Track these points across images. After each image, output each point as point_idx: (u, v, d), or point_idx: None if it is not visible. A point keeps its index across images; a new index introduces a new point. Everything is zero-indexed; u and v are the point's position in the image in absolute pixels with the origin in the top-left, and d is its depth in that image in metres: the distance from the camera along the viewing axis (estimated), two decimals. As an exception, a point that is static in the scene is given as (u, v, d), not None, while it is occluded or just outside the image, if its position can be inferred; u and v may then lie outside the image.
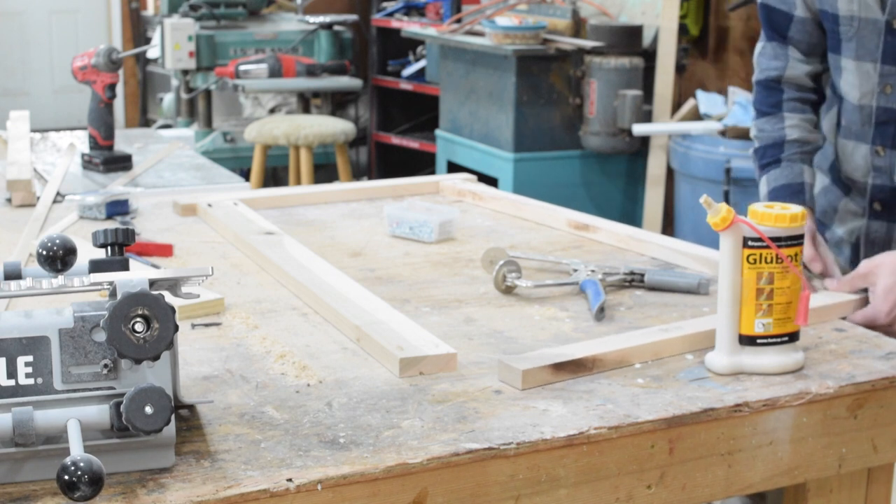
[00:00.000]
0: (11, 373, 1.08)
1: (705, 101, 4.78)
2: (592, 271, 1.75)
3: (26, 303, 1.60)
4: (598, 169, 4.93)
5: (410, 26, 6.06)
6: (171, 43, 5.65)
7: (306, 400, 1.31)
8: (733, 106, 4.58)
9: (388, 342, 1.44)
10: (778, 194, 1.90)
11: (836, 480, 1.45)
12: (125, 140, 3.03)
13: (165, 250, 1.91)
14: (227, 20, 6.02)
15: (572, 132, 4.86)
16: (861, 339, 1.55)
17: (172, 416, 1.07)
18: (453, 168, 5.24)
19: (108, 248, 1.19)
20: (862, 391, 1.39)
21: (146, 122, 7.41)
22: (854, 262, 1.94)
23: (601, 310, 1.61)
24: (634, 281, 1.75)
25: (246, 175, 5.59)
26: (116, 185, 2.48)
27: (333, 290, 1.64)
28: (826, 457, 1.39)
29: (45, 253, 1.16)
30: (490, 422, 1.26)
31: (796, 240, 1.40)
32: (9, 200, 2.28)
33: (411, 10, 6.49)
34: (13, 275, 1.16)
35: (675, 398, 1.33)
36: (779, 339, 1.42)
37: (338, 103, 6.70)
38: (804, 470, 1.38)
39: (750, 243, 1.40)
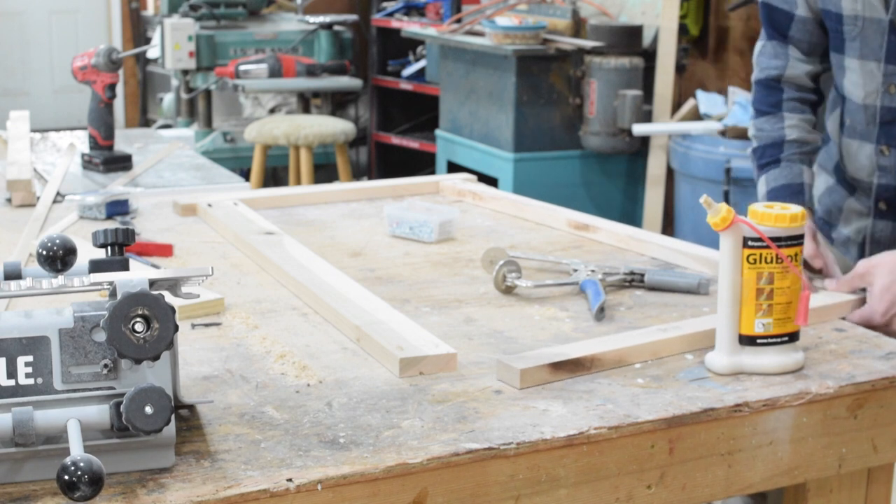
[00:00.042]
0: (11, 373, 1.08)
1: (705, 101, 4.78)
2: (592, 271, 1.75)
3: (26, 303, 1.60)
4: (598, 169, 4.93)
5: (410, 26, 6.06)
6: (171, 43, 5.65)
7: (306, 400, 1.31)
8: (733, 106, 4.58)
9: (388, 342, 1.44)
10: (777, 194, 1.90)
11: (836, 480, 1.45)
12: (125, 140, 3.03)
13: (165, 250, 1.91)
14: (227, 20, 6.02)
15: (572, 132, 4.86)
16: (861, 339, 1.55)
17: (172, 416, 1.07)
18: (453, 168, 5.24)
19: (108, 248, 1.19)
20: (862, 391, 1.39)
21: (146, 122, 7.41)
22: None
23: (601, 310, 1.61)
24: (634, 281, 1.75)
25: (246, 175, 5.59)
26: (116, 185, 2.48)
27: (333, 290, 1.64)
28: (826, 457, 1.39)
29: (45, 253, 1.16)
30: (490, 422, 1.26)
31: (796, 240, 1.40)
32: (9, 200, 2.28)
33: (411, 10, 6.49)
34: (13, 275, 1.16)
35: (675, 398, 1.33)
36: (779, 339, 1.42)
37: (338, 103, 6.70)
38: (804, 470, 1.38)
39: (750, 243, 1.40)
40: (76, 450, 1.03)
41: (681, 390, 1.36)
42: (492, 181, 4.66)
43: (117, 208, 2.16)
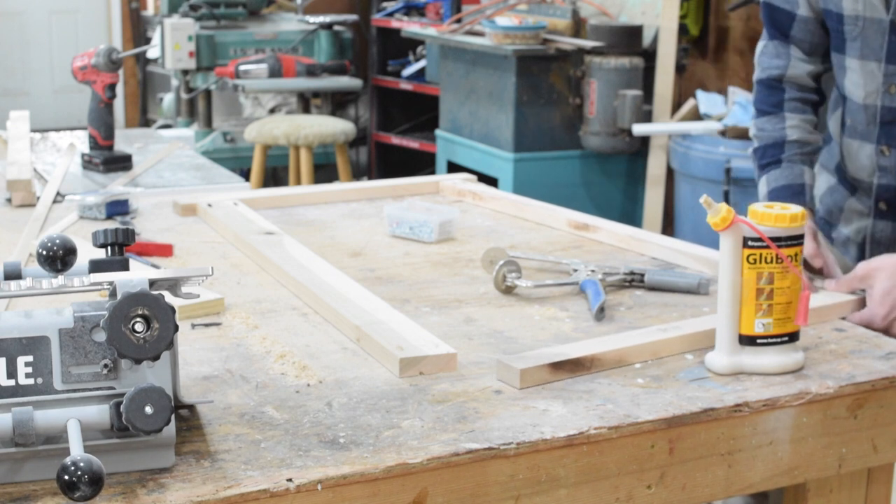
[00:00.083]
0: (11, 373, 1.08)
1: (705, 101, 4.78)
2: (592, 271, 1.75)
3: (26, 303, 1.60)
4: (598, 169, 4.93)
5: (410, 26, 6.06)
6: (171, 43, 5.65)
7: (306, 400, 1.31)
8: (733, 106, 4.58)
9: (388, 342, 1.44)
10: (778, 195, 1.90)
11: (836, 480, 1.45)
12: (125, 140, 3.03)
13: (165, 250, 1.91)
14: (227, 20, 6.02)
15: (572, 132, 4.86)
16: (861, 339, 1.55)
17: (172, 416, 1.07)
18: (453, 168, 5.24)
19: (108, 248, 1.19)
20: (862, 391, 1.39)
21: (146, 122, 7.41)
22: (860, 261, 1.95)
23: (601, 310, 1.61)
24: (634, 281, 1.75)
25: (246, 175, 5.59)
26: (116, 185, 2.48)
27: (333, 290, 1.64)
28: (826, 457, 1.39)
29: (45, 253, 1.16)
30: (490, 422, 1.26)
31: (796, 240, 1.40)
32: (9, 200, 2.28)
33: (411, 10, 6.49)
34: (13, 275, 1.16)
35: (675, 398, 1.33)
36: (779, 339, 1.42)
37: (338, 103, 6.70)
38: (804, 470, 1.38)
39: (750, 243, 1.40)
40: (76, 450, 1.03)
41: (681, 390, 1.36)
42: (492, 181, 4.66)
43: (117, 208, 2.16)
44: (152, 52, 6.33)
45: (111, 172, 2.62)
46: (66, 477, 0.99)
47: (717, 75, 5.24)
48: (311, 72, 5.75)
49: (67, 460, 1.00)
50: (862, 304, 1.68)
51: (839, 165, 2.02)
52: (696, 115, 4.76)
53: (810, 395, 1.36)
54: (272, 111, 6.47)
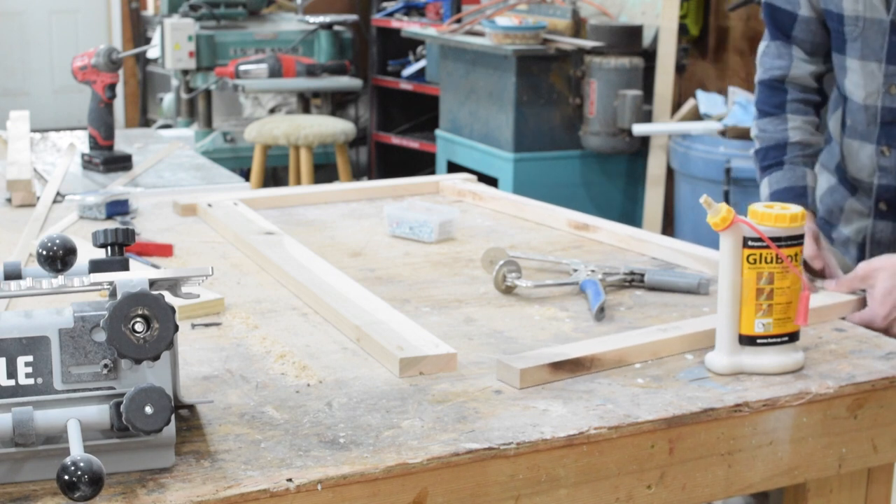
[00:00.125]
0: (11, 373, 1.08)
1: (705, 101, 4.78)
2: (592, 271, 1.75)
3: (26, 303, 1.60)
4: (598, 169, 4.93)
5: (410, 26, 6.06)
6: (171, 43, 5.65)
7: (306, 400, 1.31)
8: (733, 106, 4.58)
9: (388, 342, 1.44)
10: (780, 197, 1.90)
11: (836, 480, 1.45)
12: (125, 140, 3.03)
13: (165, 250, 1.91)
14: (227, 20, 6.02)
15: (572, 132, 4.86)
16: (861, 339, 1.55)
17: (172, 416, 1.07)
18: (453, 168, 5.24)
19: (108, 248, 1.19)
20: (862, 391, 1.39)
21: (146, 122, 7.41)
22: (860, 262, 1.95)
23: (601, 310, 1.61)
24: (634, 281, 1.75)
25: (246, 175, 5.59)
26: (116, 185, 2.48)
27: (333, 290, 1.64)
28: (826, 457, 1.39)
29: (45, 253, 1.16)
30: (490, 422, 1.26)
31: (796, 240, 1.40)
32: (9, 200, 2.28)
33: (411, 10, 6.49)
34: (13, 275, 1.16)
35: (675, 398, 1.33)
36: (779, 339, 1.42)
37: (338, 103, 6.70)
38: (804, 470, 1.38)
39: (750, 243, 1.40)
40: (76, 450, 1.03)
41: (681, 390, 1.36)
42: (492, 181, 4.66)
43: (117, 208, 2.16)
44: (152, 52, 6.33)
45: (111, 172, 2.62)
46: (66, 477, 0.99)
47: (717, 75, 5.24)
48: (311, 72, 5.75)
49: (67, 460, 1.00)
50: (862, 304, 1.68)
51: (839, 165, 2.02)
52: (696, 115, 4.76)
53: (810, 395, 1.36)
54: (272, 111, 6.47)
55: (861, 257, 1.98)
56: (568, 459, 1.24)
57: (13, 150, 2.60)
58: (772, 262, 1.39)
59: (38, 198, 2.30)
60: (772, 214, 1.40)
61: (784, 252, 1.39)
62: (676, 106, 4.93)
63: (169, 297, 1.13)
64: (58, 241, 1.16)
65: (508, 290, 1.72)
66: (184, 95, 5.92)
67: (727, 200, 4.25)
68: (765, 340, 1.41)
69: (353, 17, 6.26)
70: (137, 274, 1.12)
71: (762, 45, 2.03)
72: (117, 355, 1.07)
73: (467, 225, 2.12)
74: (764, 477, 1.35)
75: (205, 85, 5.82)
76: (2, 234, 2.05)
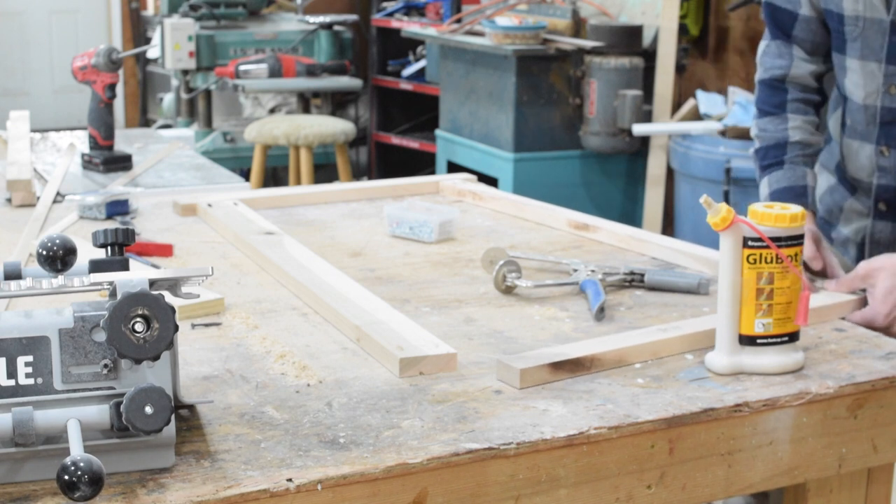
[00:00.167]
0: (11, 373, 1.08)
1: (705, 101, 4.78)
2: (592, 271, 1.75)
3: (26, 303, 1.60)
4: (598, 169, 4.93)
5: (410, 26, 6.06)
6: (171, 43, 5.65)
7: (306, 400, 1.31)
8: (733, 106, 4.58)
9: (388, 342, 1.44)
10: (780, 196, 1.90)
11: (836, 480, 1.45)
12: (125, 140, 3.03)
13: (165, 250, 1.91)
14: (227, 20, 6.02)
15: (572, 132, 4.86)
16: (861, 339, 1.55)
17: (172, 416, 1.07)
18: (453, 168, 5.24)
19: (108, 248, 1.19)
20: (862, 391, 1.39)
21: (146, 122, 7.41)
22: (860, 261, 1.95)
23: (601, 310, 1.61)
24: (634, 281, 1.75)
25: (246, 175, 5.59)
26: (116, 185, 2.48)
27: (333, 290, 1.64)
28: (826, 457, 1.39)
29: (45, 253, 1.16)
30: (490, 422, 1.26)
31: (796, 240, 1.40)
32: (9, 200, 2.28)
33: (411, 10, 6.49)
34: (13, 275, 1.16)
35: (675, 398, 1.33)
36: (779, 339, 1.42)
37: (338, 103, 6.70)
38: (804, 470, 1.38)
39: (750, 243, 1.40)
40: (76, 450, 1.03)
41: (681, 390, 1.36)
42: (492, 181, 4.66)
43: (117, 208, 2.16)
44: (152, 52, 6.33)
45: (111, 172, 2.62)
46: (66, 477, 0.99)
47: (717, 75, 5.24)
48: (311, 72, 5.75)
49: (67, 460, 1.00)
50: (862, 303, 1.68)
51: (839, 165, 2.02)
52: (696, 115, 4.76)
53: (810, 395, 1.36)
54: (272, 111, 6.47)
55: (860, 257, 1.98)
56: (568, 459, 1.24)
57: (13, 150, 2.60)
58: (772, 262, 1.39)
59: (38, 198, 2.30)
60: (772, 214, 1.40)
61: (784, 252, 1.39)
62: (676, 106, 4.93)
63: (169, 297, 1.13)
64: (58, 241, 1.16)
65: (508, 290, 1.72)
66: (184, 95, 5.92)
67: (727, 200, 4.25)
68: (765, 340, 1.41)
69: (353, 17, 6.26)
70: (137, 274, 1.12)
71: (762, 45, 2.03)
72: (117, 355, 1.07)
73: (467, 225, 2.12)
74: (764, 477, 1.35)
75: (205, 85, 5.82)
76: (2, 234, 2.05)
